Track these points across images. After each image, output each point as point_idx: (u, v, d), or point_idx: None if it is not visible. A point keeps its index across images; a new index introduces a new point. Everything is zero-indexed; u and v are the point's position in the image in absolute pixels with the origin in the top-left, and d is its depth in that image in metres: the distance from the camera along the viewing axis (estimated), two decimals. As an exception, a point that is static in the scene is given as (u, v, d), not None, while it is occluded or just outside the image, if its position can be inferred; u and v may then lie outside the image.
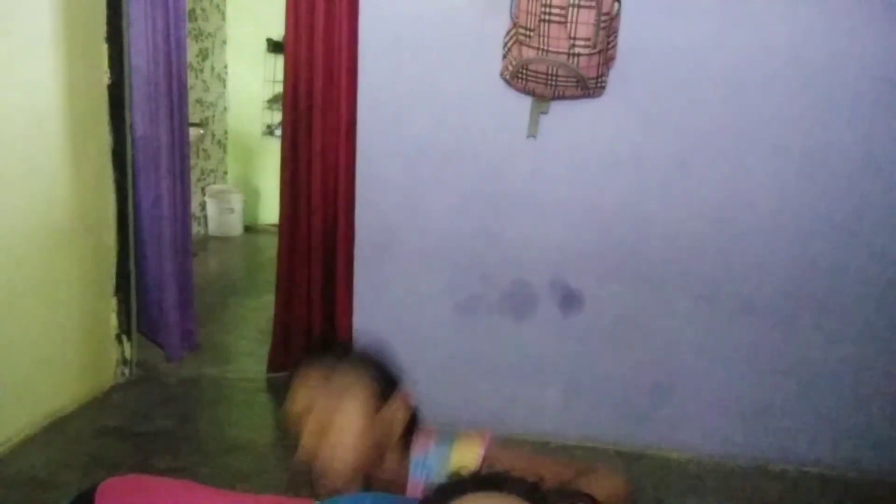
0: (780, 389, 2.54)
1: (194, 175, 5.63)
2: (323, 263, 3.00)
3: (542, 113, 2.46)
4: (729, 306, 2.52)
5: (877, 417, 2.51)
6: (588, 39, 2.14)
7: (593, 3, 2.11)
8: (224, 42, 6.21)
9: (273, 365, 3.19)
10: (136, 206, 3.07)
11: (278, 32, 5.61)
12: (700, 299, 2.53)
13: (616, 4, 2.22)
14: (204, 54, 5.87)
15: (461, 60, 2.49)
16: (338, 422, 1.08)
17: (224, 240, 6.09)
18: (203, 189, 6.05)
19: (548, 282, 2.59)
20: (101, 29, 2.82)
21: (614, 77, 2.37)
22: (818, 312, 2.48)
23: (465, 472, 0.79)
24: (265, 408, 3.02)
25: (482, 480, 0.74)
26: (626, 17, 2.30)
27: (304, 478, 1.13)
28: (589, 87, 2.26)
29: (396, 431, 1.14)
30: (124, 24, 2.90)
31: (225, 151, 6.44)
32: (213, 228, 6.14)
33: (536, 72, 2.23)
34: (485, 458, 1.11)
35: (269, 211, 6.34)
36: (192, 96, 5.37)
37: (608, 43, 2.24)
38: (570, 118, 2.46)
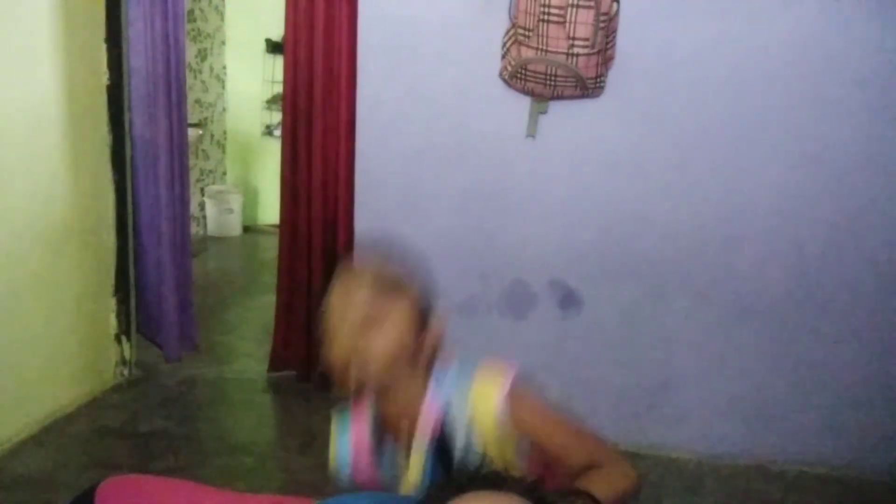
0: (780, 389, 2.54)
1: (193, 175, 5.63)
2: (323, 263, 3.00)
3: (541, 113, 2.47)
4: (728, 306, 2.52)
5: (876, 417, 2.51)
6: (587, 39, 2.14)
7: (592, 3, 2.11)
8: (223, 43, 6.21)
9: (274, 364, 3.19)
10: (135, 207, 3.07)
11: (277, 33, 5.61)
12: (699, 299, 2.53)
13: (615, 4, 2.22)
14: (203, 55, 5.87)
15: (460, 60, 2.50)
16: (384, 319, 1.08)
17: (223, 240, 6.08)
18: (202, 189, 6.04)
19: (547, 281, 2.59)
20: (100, 30, 2.82)
21: (613, 77, 2.38)
22: (817, 312, 2.48)
23: (464, 472, 0.79)
24: (265, 408, 3.02)
25: (482, 479, 0.74)
26: (624, 18, 2.30)
27: (329, 376, 1.13)
28: (588, 87, 2.26)
29: (429, 348, 1.14)
30: (123, 25, 2.90)
31: (224, 152, 6.44)
32: (212, 229, 6.13)
33: (535, 72, 2.24)
34: (506, 400, 1.10)
35: (269, 211, 6.34)
36: (191, 97, 5.37)
37: (607, 43, 2.24)
38: (568, 118, 2.46)
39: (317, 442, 2.62)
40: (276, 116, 6.06)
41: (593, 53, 2.17)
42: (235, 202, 6.17)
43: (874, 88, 2.33)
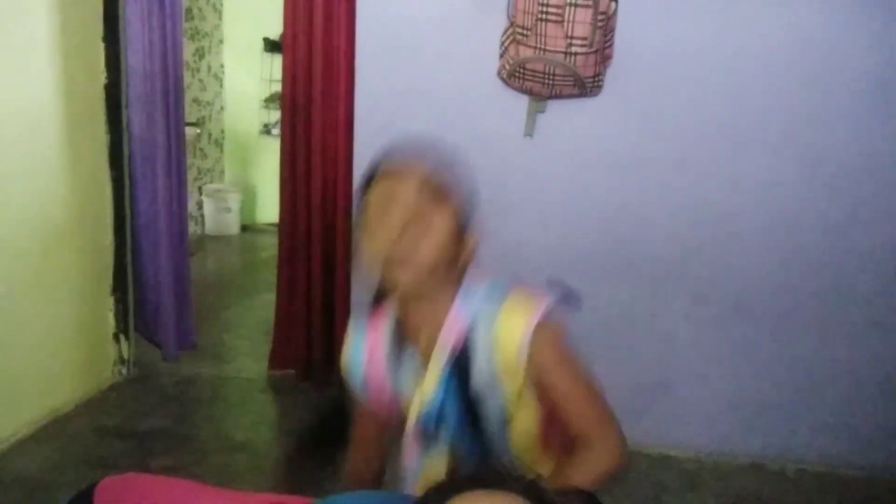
0: (778, 387, 2.54)
1: (191, 174, 5.62)
2: (323, 261, 3.00)
3: (540, 112, 2.47)
4: (726, 305, 2.53)
5: (874, 415, 2.51)
6: (585, 38, 2.14)
7: (590, 2, 2.11)
8: (221, 41, 6.20)
9: (274, 363, 3.19)
10: (133, 206, 3.07)
11: (275, 31, 5.61)
12: (697, 298, 2.54)
13: (613, 4, 2.22)
14: (200, 53, 5.86)
15: (458, 59, 2.49)
16: (429, 223, 1.07)
17: (221, 239, 6.08)
18: (200, 188, 6.04)
19: (545, 280, 2.59)
20: (98, 28, 2.82)
21: (611, 76, 2.38)
22: (815, 311, 2.48)
23: (463, 472, 0.79)
24: (263, 407, 3.02)
25: (480, 478, 0.74)
26: (622, 16, 2.30)
27: (370, 277, 1.14)
28: (586, 86, 2.27)
29: (464, 260, 1.13)
30: (121, 24, 2.89)
31: (222, 151, 6.44)
32: (209, 228, 6.13)
33: (534, 71, 2.24)
34: (533, 331, 1.08)
35: (267, 210, 6.34)
36: (189, 95, 5.36)
37: (605, 42, 2.24)
38: (567, 117, 2.46)
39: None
40: (274, 115, 6.05)
41: (591, 52, 2.17)
42: (233, 201, 6.16)
43: (873, 88, 2.34)
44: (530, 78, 2.26)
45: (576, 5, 2.11)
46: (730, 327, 2.54)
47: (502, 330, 1.09)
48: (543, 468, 1.18)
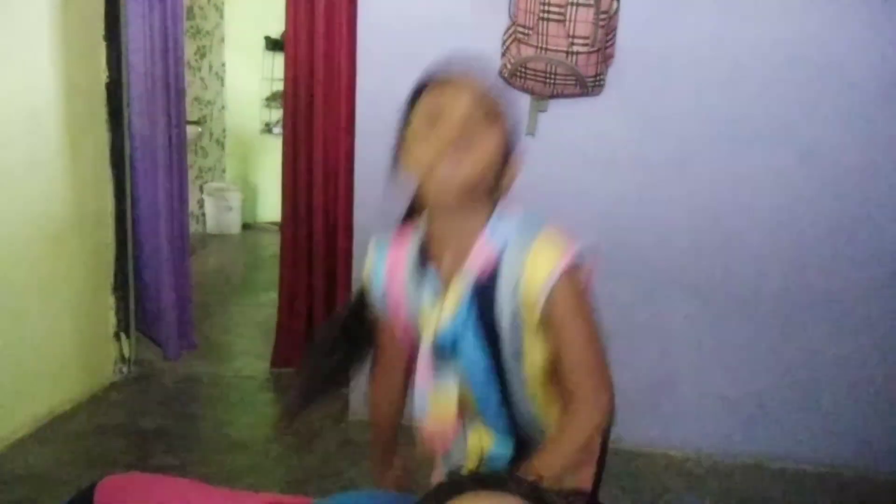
0: (779, 387, 2.54)
1: (192, 173, 5.62)
2: (325, 259, 3.00)
3: (541, 111, 2.46)
4: (727, 305, 2.52)
5: (875, 416, 2.51)
6: (586, 38, 2.14)
7: (592, 2, 2.11)
8: (222, 40, 6.20)
9: (276, 361, 3.20)
10: (134, 204, 3.07)
11: (276, 30, 5.61)
12: (698, 298, 2.53)
13: (615, 3, 2.22)
14: (202, 52, 5.86)
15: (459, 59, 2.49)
16: (478, 141, 1.06)
17: (222, 238, 6.08)
18: (201, 187, 6.04)
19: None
20: (99, 27, 2.82)
21: (613, 75, 2.37)
22: (816, 311, 2.48)
23: (463, 472, 0.79)
24: (264, 406, 3.02)
25: (481, 479, 0.74)
26: (624, 16, 2.30)
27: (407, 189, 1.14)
28: (587, 85, 2.26)
29: (503, 186, 1.13)
30: (122, 23, 2.89)
31: (223, 149, 6.44)
32: (211, 226, 6.13)
33: (535, 70, 2.24)
34: (561, 273, 1.08)
35: (268, 209, 6.34)
36: (190, 94, 5.36)
37: (607, 41, 2.24)
38: (568, 117, 2.46)
39: (316, 440, 2.62)
40: (276, 114, 6.05)
41: (593, 52, 2.17)
42: (235, 200, 6.16)
43: (875, 87, 2.34)
44: (532, 77, 2.26)
45: (577, 4, 2.11)
46: (730, 327, 2.53)
47: (532, 264, 1.09)
48: (551, 410, 1.18)
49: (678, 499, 2.36)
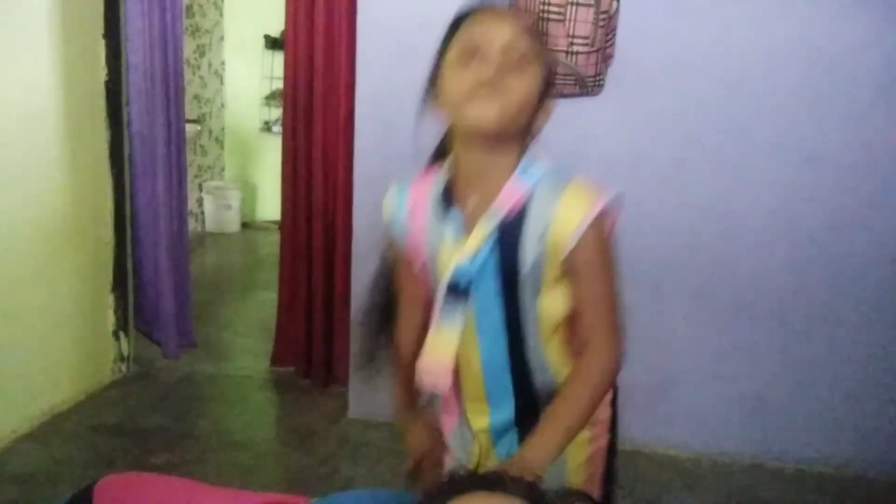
0: (778, 388, 2.54)
1: (191, 171, 5.62)
2: (324, 258, 3.00)
3: (541, 111, 2.46)
4: (726, 305, 2.52)
5: (874, 416, 2.51)
6: (586, 37, 2.14)
7: (592, 1, 2.11)
8: (221, 38, 6.20)
9: (275, 360, 3.20)
10: (134, 203, 3.07)
11: (276, 29, 5.61)
12: (697, 298, 2.53)
13: (615, 3, 2.22)
14: (201, 51, 5.86)
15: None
16: (526, 67, 1.06)
17: (221, 236, 6.08)
18: (200, 185, 6.04)
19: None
20: (98, 25, 2.82)
21: (612, 75, 2.37)
22: (815, 311, 2.48)
23: (462, 471, 0.79)
24: (263, 404, 3.02)
25: (481, 480, 0.74)
26: (624, 16, 2.30)
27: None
28: (587, 85, 2.26)
29: (540, 124, 1.14)
30: (121, 21, 2.89)
31: (222, 148, 6.44)
32: (210, 225, 6.13)
33: (535, 69, 2.23)
34: (591, 223, 1.09)
35: (267, 207, 6.34)
36: (190, 93, 5.36)
37: (606, 41, 2.24)
38: (568, 116, 2.45)
39: (315, 438, 2.62)
40: (275, 113, 6.05)
41: (593, 51, 2.17)
42: (234, 198, 6.17)
43: (874, 87, 2.34)
44: (531, 77, 2.26)
45: (577, 4, 2.11)
46: (730, 327, 2.53)
47: (564, 208, 1.09)
48: (563, 367, 1.17)
49: (678, 499, 2.36)
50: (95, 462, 2.37)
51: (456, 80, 1.07)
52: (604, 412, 1.26)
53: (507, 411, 1.21)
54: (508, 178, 1.11)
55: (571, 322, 1.16)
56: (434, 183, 1.19)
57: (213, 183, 6.18)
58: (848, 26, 2.31)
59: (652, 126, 2.46)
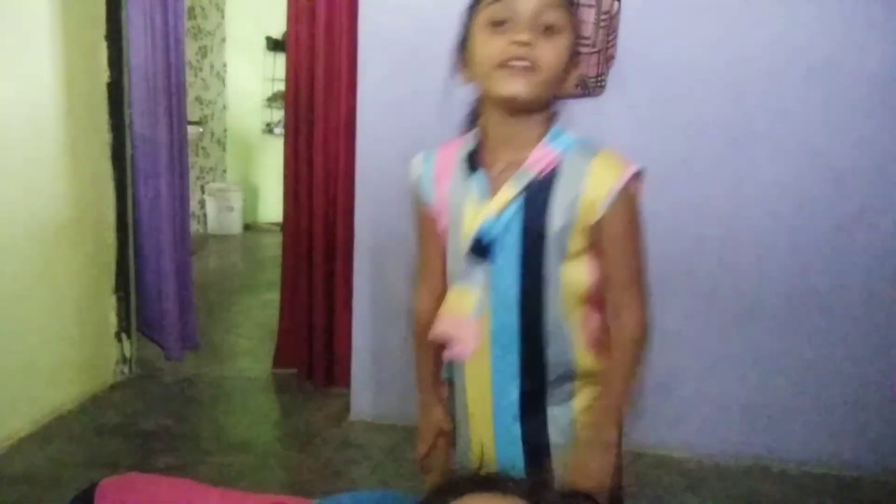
0: (780, 388, 2.54)
1: (193, 173, 5.63)
2: (326, 260, 3.00)
3: (542, 112, 2.46)
4: (728, 305, 2.52)
5: (877, 417, 2.51)
6: (588, 38, 2.14)
7: (593, 2, 2.11)
8: (223, 40, 6.21)
9: (277, 362, 3.20)
10: (135, 205, 3.07)
11: (277, 30, 5.62)
12: (700, 299, 2.53)
13: (616, 3, 2.22)
14: (203, 52, 5.87)
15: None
16: (558, 33, 1.08)
17: (223, 238, 6.09)
18: (202, 187, 6.05)
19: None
20: (101, 27, 2.82)
21: (614, 76, 2.37)
22: (818, 312, 2.48)
23: (462, 473, 0.79)
24: (265, 406, 3.02)
25: (482, 481, 0.74)
26: (625, 16, 2.30)
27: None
28: (589, 86, 2.26)
29: (568, 85, 1.15)
30: (123, 23, 2.89)
31: (224, 150, 6.45)
32: (212, 227, 6.14)
33: (536, 70, 2.23)
34: (620, 190, 1.10)
35: (269, 209, 6.35)
36: (192, 94, 5.37)
37: (608, 42, 2.24)
38: (569, 117, 2.45)
39: (317, 440, 2.62)
40: (277, 114, 6.06)
41: (594, 52, 2.17)
42: (236, 200, 6.17)
43: (876, 86, 2.33)
44: (533, 78, 2.26)
45: (578, 4, 2.11)
46: (731, 328, 2.53)
47: (596, 172, 1.11)
48: (582, 345, 1.17)
49: (680, 500, 2.35)
50: (97, 463, 2.37)
51: (486, 50, 1.08)
52: None
53: (512, 393, 1.19)
54: (536, 144, 1.13)
55: (592, 302, 1.16)
56: (461, 147, 1.20)
57: (215, 185, 6.19)
58: (850, 27, 2.31)
59: (654, 127, 2.45)
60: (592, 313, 1.18)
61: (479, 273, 1.14)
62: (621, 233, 1.12)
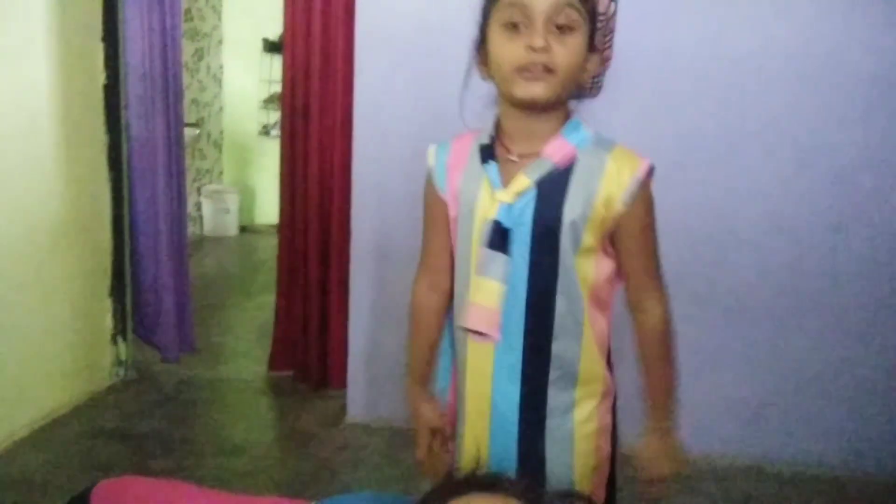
0: (775, 389, 2.54)
1: (190, 175, 5.62)
2: (322, 263, 3.00)
3: (539, 113, 2.46)
4: (724, 306, 2.52)
5: (871, 417, 2.51)
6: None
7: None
8: (220, 42, 6.20)
9: (273, 365, 3.19)
10: (132, 207, 3.07)
11: (274, 32, 5.61)
12: (695, 299, 2.53)
13: (612, 4, 2.21)
14: (200, 54, 5.87)
15: (458, 60, 2.49)
16: (573, 32, 1.08)
17: (219, 240, 6.08)
18: (198, 189, 6.04)
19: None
20: (97, 29, 2.82)
21: (611, 77, 2.37)
22: (813, 312, 2.48)
23: (459, 474, 0.79)
24: (261, 409, 3.01)
25: (479, 482, 0.74)
26: (622, 17, 2.30)
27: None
28: (585, 87, 2.26)
29: (585, 79, 1.17)
30: (120, 24, 2.89)
31: (220, 151, 6.44)
32: (208, 229, 6.13)
33: (533, 72, 2.23)
34: (638, 183, 1.14)
35: (265, 211, 6.34)
36: (188, 96, 5.36)
37: (605, 43, 2.24)
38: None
39: (313, 443, 2.61)
40: (274, 116, 6.06)
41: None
42: (232, 202, 6.16)
43: (871, 88, 2.34)
44: (530, 79, 2.26)
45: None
46: (727, 329, 2.53)
47: (615, 164, 1.12)
48: (586, 333, 1.19)
49: (675, 501, 2.35)
50: (93, 467, 2.36)
51: (503, 54, 1.09)
52: (607, 419, 1.25)
53: (513, 394, 1.18)
54: (552, 137, 1.14)
55: (597, 303, 1.18)
56: (476, 138, 1.20)
57: (212, 187, 6.18)
58: (844, 27, 2.32)
59: (649, 128, 2.46)
60: (598, 315, 1.19)
61: (499, 264, 1.14)
62: (641, 226, 1.16)
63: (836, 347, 2.49)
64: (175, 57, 3.13)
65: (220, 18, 6.15)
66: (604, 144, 1.15)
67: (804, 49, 2.35)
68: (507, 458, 1.19)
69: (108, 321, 3.02)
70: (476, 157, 1.18)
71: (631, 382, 1.30)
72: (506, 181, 1.13)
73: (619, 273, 1.20)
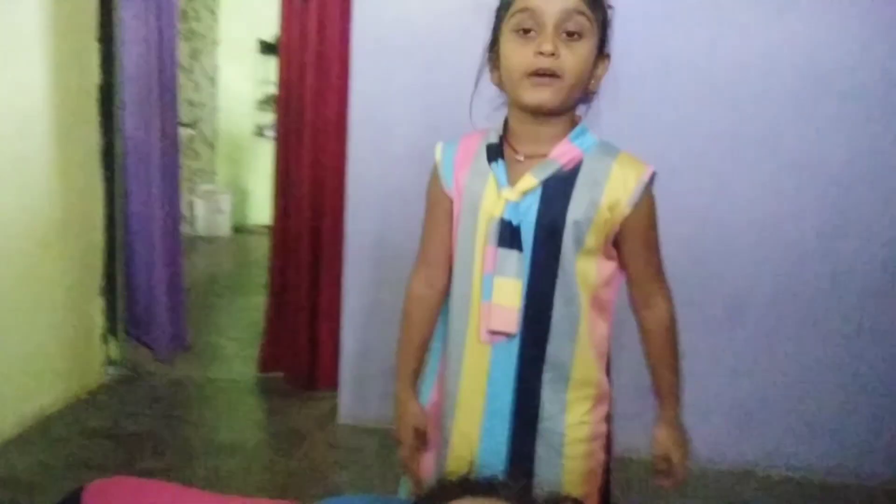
0: (767, 394, 2.55)
1: (183, 175, 5.61)
2: (314, 264, 3.00)
3: (534, 118, 2.47)
4: (717, 311, 2.53)
5: (863, 423, 2.52)
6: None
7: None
8: (215, 43, 6.19)
9: (263, 365, 3.18)
10: (125, 206, 3.06)
11: (270, 33, 5.61)
12: (687, 305, 2.52)
13: (609, 11, 2.22)
14: (195, 55, 5.86)
15: (453, 62, 2.49)
16: (582, 37, 1.11)
17: (212, 240, 6.07)
18: (192, 189, 6.02)
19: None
20: (92, 29, 2.81)
21: (605, 83, 2.37)
22: (806, 318, 2.50)
23: (455, 477, 0.79)
24: (252, 409, 3.01)
25: (473, 485, 0.74)
26: (618, 22, 2.31)
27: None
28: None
29: (594, 84, 1.21)
30: (115, 25, 2.89)
31: (214, 152, 6.42)
32: (201, 229, 6.12)
33: (528, 77, 2.24)
34: (647, 185, 1.16)
35: (258, 212, 6.33)
36: (183, 97, 5.35)
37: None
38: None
39: (304, 444, 2.61)
40: (268, 117, 6.05)
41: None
42: (225, 202, 6.16)
43: (865, 95, 2.36)
44: (525, 84, 2.27)
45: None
46: (720, 334, 2.54)
47: (621, 168, 1.15)
48: (584, 336, 1.20)
49: (666, 506, 2.36)
50: (84, 466, 2.36)
51: (514, 58, 1.11)
52: (602, 427, 1.27)
53: (506, 395, 1.18)
54: (559, 141, 1.15)
55: (597, 307, 1.19)
56: (484, 137, 1.22)
57: (205, 187, 6.17)
58: (837, 35, 2.34)
59: (643, 133, 2.46)
60: (598, 319, 1.20)
61: (514, 261, 1.14)
62: (645, 226, 1.17)
63: (827, 353, 2.50)
64: (171, 58, 3.13)
65: (216, 19, 6.15)
66: (609, 150, 1.18)
67: (797, 57, 2.36)
68: (497, 456, 1.19)
69: (98, 320, 3.01)
70: (483, 155, 1.19)
71: (620, 387, 1.31)
72: (512, 180, 1.14)
73: (620, 275, 1.21)
